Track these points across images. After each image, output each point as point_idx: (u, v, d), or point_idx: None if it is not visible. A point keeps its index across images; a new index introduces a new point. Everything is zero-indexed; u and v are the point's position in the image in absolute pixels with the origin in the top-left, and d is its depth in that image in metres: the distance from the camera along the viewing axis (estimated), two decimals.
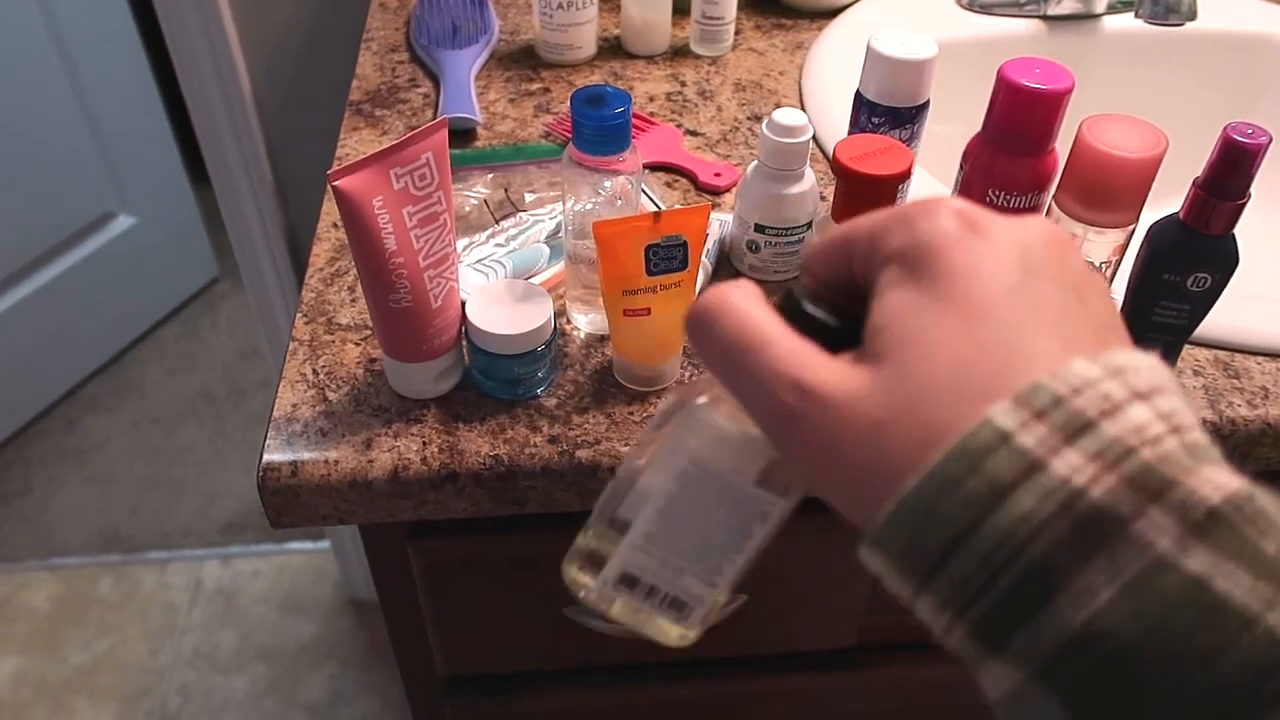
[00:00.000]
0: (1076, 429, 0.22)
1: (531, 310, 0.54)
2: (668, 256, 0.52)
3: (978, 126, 0.54)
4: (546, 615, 0.64)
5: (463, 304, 0.55)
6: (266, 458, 0.53)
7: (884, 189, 0.52)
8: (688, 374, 0.58)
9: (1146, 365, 0.23)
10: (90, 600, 1.60)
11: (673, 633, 0.31)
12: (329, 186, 0.46)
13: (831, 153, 0.53)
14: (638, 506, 0.30)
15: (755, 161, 0.62)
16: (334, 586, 1.61)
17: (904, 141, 0.61)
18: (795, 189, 0.61)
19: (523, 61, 0.85)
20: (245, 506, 1.73)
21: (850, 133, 0.64)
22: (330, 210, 0.69)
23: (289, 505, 0.53)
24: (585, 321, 0.61)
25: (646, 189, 0.70)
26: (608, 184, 0.56)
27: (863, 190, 0.52)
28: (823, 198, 0.66)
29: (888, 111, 0.61)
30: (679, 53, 0.87)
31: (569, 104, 0.53)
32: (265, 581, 1.62)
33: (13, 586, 1.61)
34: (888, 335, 0.25)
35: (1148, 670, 0.20)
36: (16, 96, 1.57)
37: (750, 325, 0.26)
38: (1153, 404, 0.22)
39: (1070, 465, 0.21)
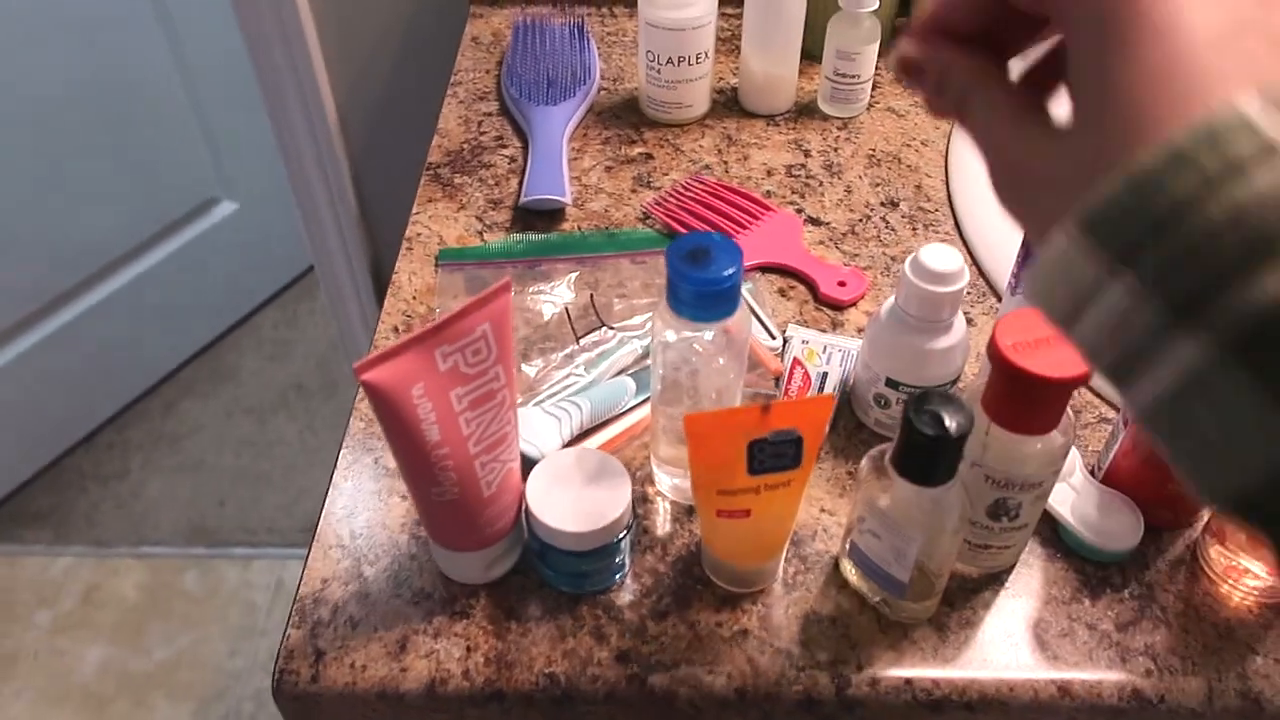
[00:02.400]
0: None
1: (605, 498, 0.44)
2: (776, 454, 0.42)
3: None
4: None
5: (525, 483, 0.46)
6: (285, 653, 0.45)
7: (1054, 395, 0.40)
8: (792, 573, 0.48)
9: None
10: (176, 592, 1.60)
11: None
12: (359, 381, 0.37)
13: (990, 337, 0.41)
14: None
15: (891, 301, 0.50)
16: None
17: None
18: (941, 343, 0.49)
19: (624, 118, 0.75)
20: None
21: (1020, 260, 0.52)
22: (393, 309, 0.60)
23: (306, 712, 0.45)
24: (671, 487, 0.51)
25: (755, 305, 0.59)
26: (708, 336, 0.46)
27: (1026, 392, 0.40)
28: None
29: None
30: (804, 112, 0.75)
31: (665, 255, 0.43)
32: None
33: (105, 573, 1.62)
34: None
35: None
36: (127, 85, 1.56)
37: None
38: None
39: None
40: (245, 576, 1.63)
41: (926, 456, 0.39)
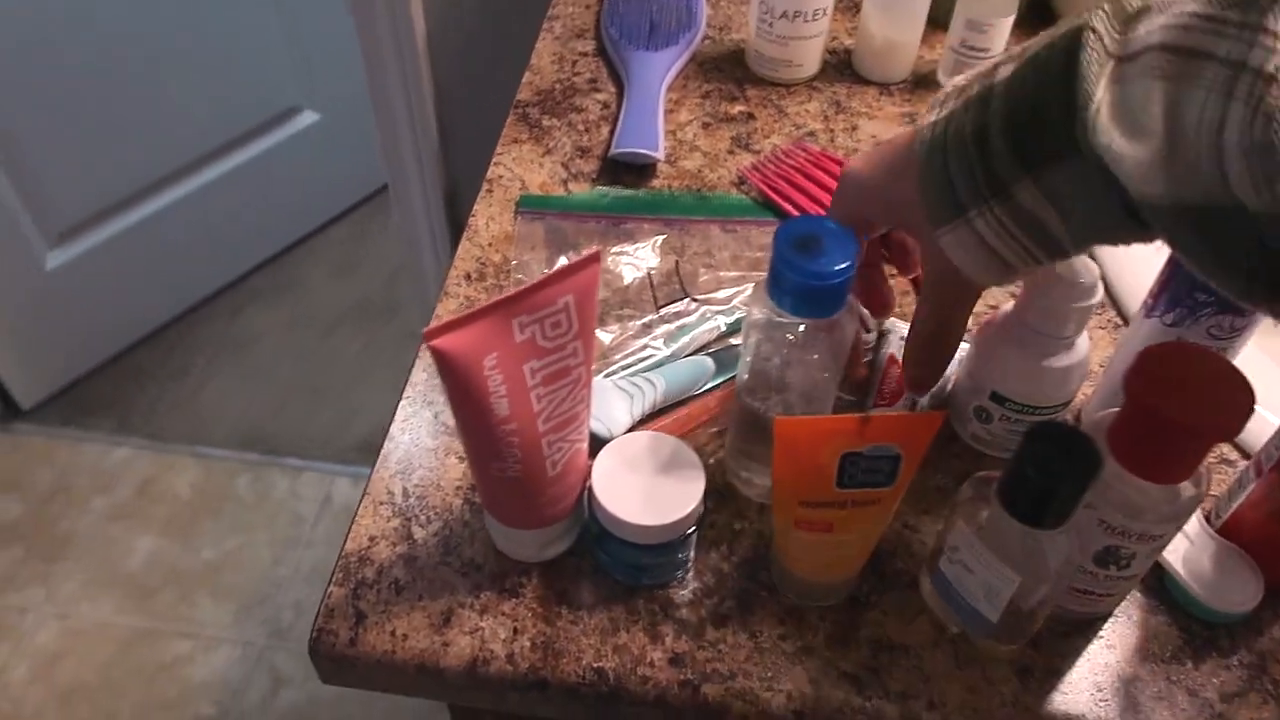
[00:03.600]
0: None
1: (676, 491, 0.41)
2: (871, 470, 0.38)
3: None
4: None
5: (591, 464, 0.43)
6: (326, 611, 0.43)
7: (1195, 443, 0.36)
8: (866, 590, 0.44)
9: None
10: (227, 495, 1.63)
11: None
12: (428, 347, 0.34)
13: (1128, 368, 0.36)
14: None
15: (1009, 308, 0.46)
16: None
17: (1237, 334, 0.43)
18: (1059, 361, 0.45)
19: (727, 71, 0.70)
20: (381, 428, 1.71)
21: (1162, 279, 0.46)
22: (467, 254, 0.57)
23: (341, 672, 0.43)
24: (745, 482, 0.47)
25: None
26: (803, 328, 0.42)
27: (1163, 435, 0.36)
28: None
29: None
30: (921, 82, 0.70)
31: (773, 238, 0.39)
32: None
33: (160, 467, 1.65)
34: None
35: None
36: None
37: None
38: None
39: None
40: (294, 487, 1.65)
41: (1041, 497, 0.35)
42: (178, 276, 1.78)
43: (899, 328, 0.51)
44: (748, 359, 0.43)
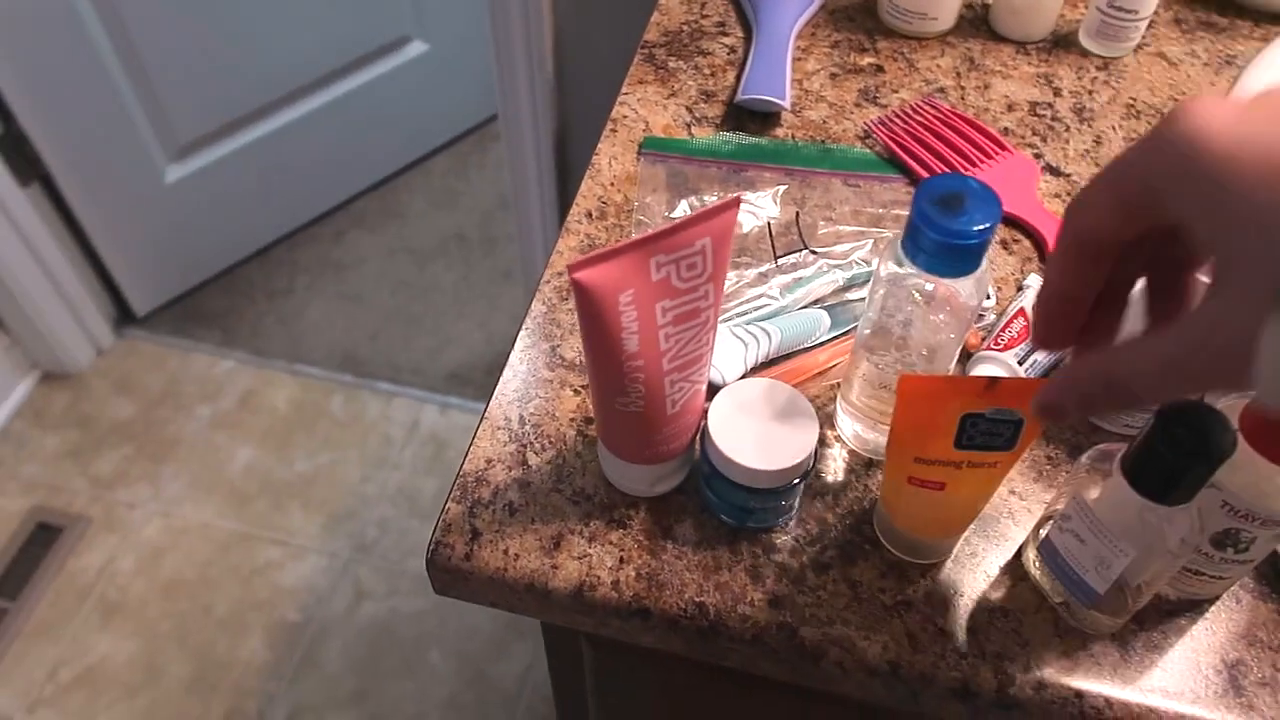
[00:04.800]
0: None
1: (789, 438, 0.42)
2: (991, 433, 0.38)
3: None
4: None
5: (707, 404, 0.43)
6: (444, 525, 0.45)
7: None
8: (969, 552, 0.45)
9: None
10: (321, 413, 1.69)
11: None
12: (570, 279, 0.35)
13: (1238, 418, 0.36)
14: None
15: (1143, 283, 0.45)
16: None
17: None
18: None
19: (858, 21, 0.69)
20: (472, 360, 1.75)
21: None
22: (590, 192, 0.58)
23: (455, 584, 0.45)
24: (854, 435, 0.48)
25: None
26: (930, 287, 0.42)
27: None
28: None
29: None
30: (1061, 43, 0.67)
31: (914, 194, 0.38)
32: None
33: (261, 381, 1.73)
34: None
35: None
36: None
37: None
38: None
39: None
40: (386, 411, 1.70)
41: (1170, 472, 0.35)
42: (286, 197, 1.84)
43: (1037, 283, 0.50)
44: (871, 314, 0.43)
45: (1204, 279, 0.32)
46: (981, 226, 0.37)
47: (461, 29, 1.86)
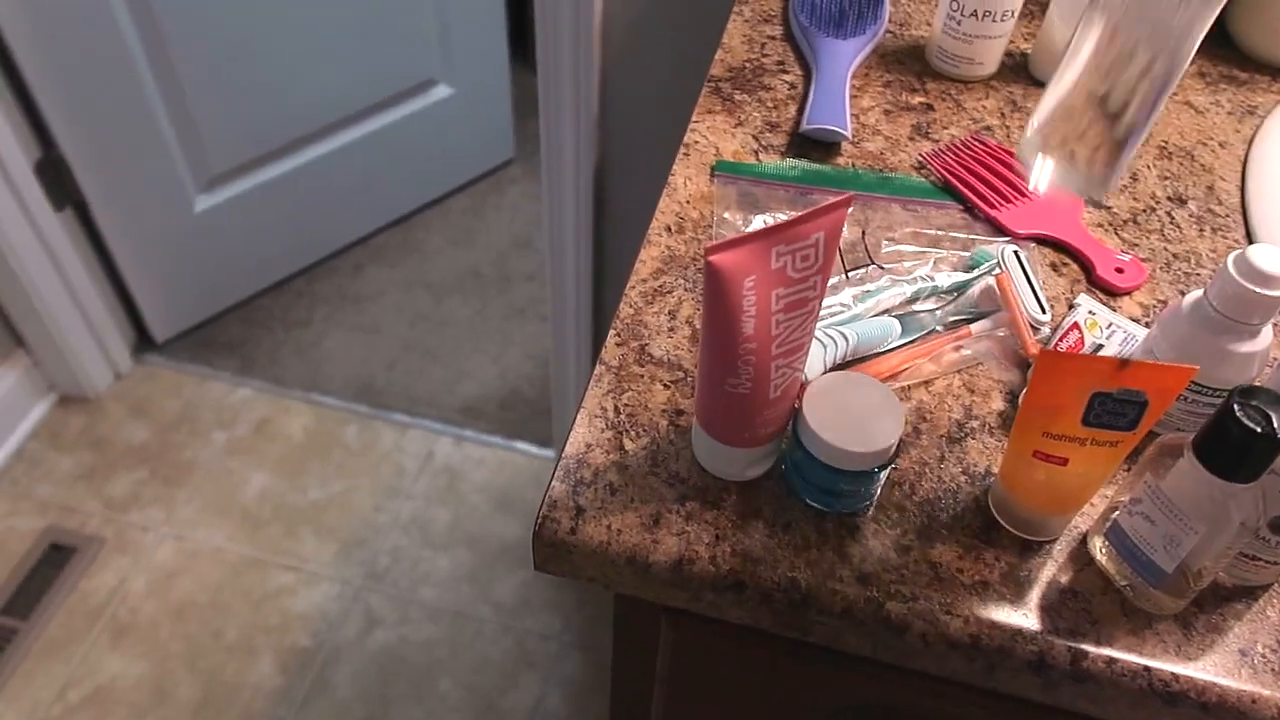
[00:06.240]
0: None
1: (879, 427, 0.45)
2: (1116, 412, 0.42)
3: None
4: None
5: (799, 397, 0.47)
6: (549, 502, 0.48)
7: None
8: (1077, 530, 0.48)
9: None
10: (336, 442, 1.71)
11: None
12: (705, 261, 0.39)
13: None
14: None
15: (1196, 295, 0.49)
16: None
17: None
18: (1242, 347, 0.48)
19: (908, 64, 0.74)
20: (486, 393, 1.78)
21: None
22: (667, 208, 0.62)
23: (558, 558, 0.48)
24: (1040, 164, 0.53)
25: (1030, 274, 0.58)
26: None
27: None
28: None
29: None
30: None
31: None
32: (487, 472, 1.67)
33: (277, 409, 1.74)
34: None
35: None
36: None
37: None
38: None
39: None
40: (400, 442, 1.72)
41: (1240, 450, 0.39)
42: (308, 231, 1.88)
43: (1088, 302, 0.54)
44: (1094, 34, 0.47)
45: None
46: None
47: (484, 76, 1.93)
